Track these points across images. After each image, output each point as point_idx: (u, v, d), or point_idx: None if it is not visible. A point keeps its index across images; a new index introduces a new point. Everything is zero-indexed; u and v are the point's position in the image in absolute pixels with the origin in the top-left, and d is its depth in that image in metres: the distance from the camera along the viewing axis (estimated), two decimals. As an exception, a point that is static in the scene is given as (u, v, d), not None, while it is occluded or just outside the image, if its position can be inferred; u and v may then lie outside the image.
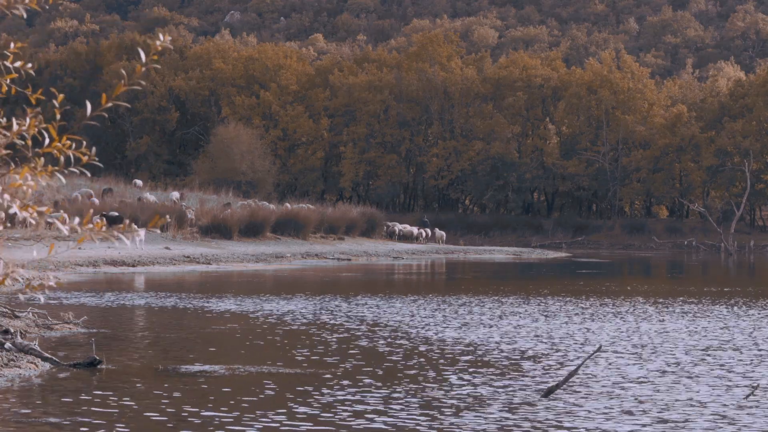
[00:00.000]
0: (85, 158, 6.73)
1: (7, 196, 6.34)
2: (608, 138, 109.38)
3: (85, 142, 6.92)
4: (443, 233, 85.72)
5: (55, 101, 6.84)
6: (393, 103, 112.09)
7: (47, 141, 6.71)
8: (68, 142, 6.74)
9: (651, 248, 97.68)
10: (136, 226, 6.62)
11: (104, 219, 6.62)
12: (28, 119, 6.70)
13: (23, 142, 6.71)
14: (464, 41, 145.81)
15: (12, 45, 6.87)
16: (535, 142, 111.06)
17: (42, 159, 6.68)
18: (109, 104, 6.70)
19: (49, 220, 6.45)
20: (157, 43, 6.74)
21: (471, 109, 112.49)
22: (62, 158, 6.72)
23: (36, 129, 6.70)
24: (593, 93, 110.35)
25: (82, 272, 43.79)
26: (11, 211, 6.36)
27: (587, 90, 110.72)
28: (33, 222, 6.46)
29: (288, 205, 78.26)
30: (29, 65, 6.94)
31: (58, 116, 6.82)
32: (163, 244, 56.96)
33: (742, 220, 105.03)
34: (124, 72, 6.97)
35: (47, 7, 6.96)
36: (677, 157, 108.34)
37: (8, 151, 6.74)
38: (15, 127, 6.66)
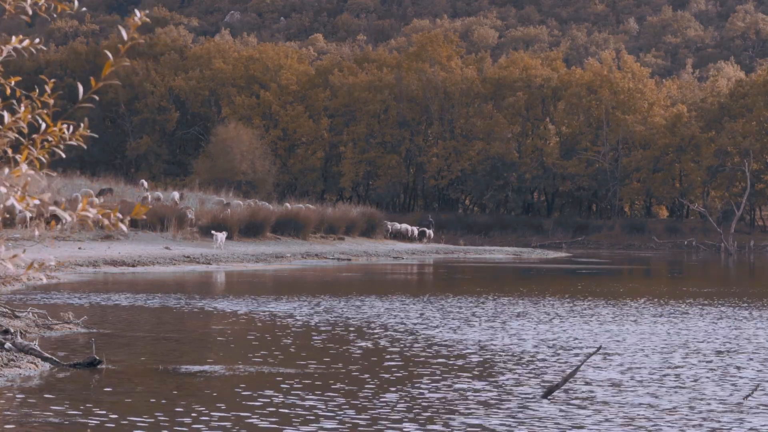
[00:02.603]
0: (81, 133, 6.75)
1: (2, 189, 6.33)
2: (608, 138, 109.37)
3: (82, 125, 6.93)
4: (431, 231, 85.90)
5: (46, 87, 6.87)
6: (393, 103, 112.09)
7: (43, 127, 6.73)
8: (63, 126, 6.76)
9: (651, 248, 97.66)
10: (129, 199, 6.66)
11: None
12: (22, 107, 6.72)
13: (20, 130, 6.72)
14: (464, 41, 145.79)
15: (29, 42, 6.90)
16: (535, 142, 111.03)
17: (39, 142, 6.70)
18: (100, 84, 6.73)
19: (52, 209, 6.45)
20: (135, 19, 6.83)
21: (471, 109, 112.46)
22: (61, 135, 6.74)
23: (30, 117, 6.71)
24: (593, 93, 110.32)
25: (82, 272, 43.78)
26: (8, 203, 6.36)
27: (587, 90, 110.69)
28: (32, 210, 6.44)
29: (288, 205, 78.23)
30: (36, 40, 6.95)
31: (51, 102, 6.84)
32: (163, 244, 56.96)
33: (742, 220, 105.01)
34: (108, 53, 7.00)
35: (55, 16, 6.98)
36: (677, 157, 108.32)
37: (9, 139, 6.75)
38: (7, 119, 6.66)
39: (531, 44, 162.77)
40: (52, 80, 7.00)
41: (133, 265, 47.85)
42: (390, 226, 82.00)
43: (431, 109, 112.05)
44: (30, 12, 6.91)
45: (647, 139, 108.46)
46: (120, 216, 6.60)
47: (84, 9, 6.89)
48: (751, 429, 14.46)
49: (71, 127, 6.83)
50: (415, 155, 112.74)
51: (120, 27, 7.16)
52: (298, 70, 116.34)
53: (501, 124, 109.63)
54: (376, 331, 25.24)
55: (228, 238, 63.60)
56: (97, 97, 7.00)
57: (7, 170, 6.51)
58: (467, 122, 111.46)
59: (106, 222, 6.54)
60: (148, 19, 6.97)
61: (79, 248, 50.91)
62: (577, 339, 24.04)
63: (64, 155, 6.81)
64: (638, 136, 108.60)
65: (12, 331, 20.80)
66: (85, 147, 6.83)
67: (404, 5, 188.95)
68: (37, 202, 6.48)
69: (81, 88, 6.80)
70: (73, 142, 6.79)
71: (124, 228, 6.64)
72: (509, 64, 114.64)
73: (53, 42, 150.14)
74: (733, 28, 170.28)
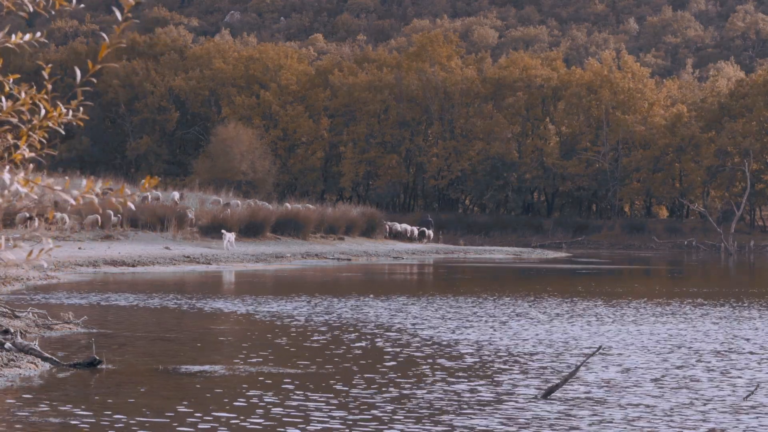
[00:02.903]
0: (74, 107, 6.76)
1: (7, 175, 6.34)
2: (608, 138, 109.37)
3: (81, 109, 6.94)
4: (430, 231, 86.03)
5: (44, 73, 6.87)
6: (393, 103, 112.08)
7: (42, 113, 6.73)
8: (63, 111, 6.77)
9: (651, 248, 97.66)
10: (128, 191, 6.69)
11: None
12: (23, 93, 6.72)
13: (21, 115, 6.73)
14: (464, 41, 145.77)
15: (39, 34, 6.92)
16: (535, 142, 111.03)
17: (38, 126, 6.70)
18: (98, 66, 6.73)
19: (57, 188, 6.44)
20: None
21: (471, 109, 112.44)
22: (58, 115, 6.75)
23: (29, 103, 6.72)
24: (593, 93, 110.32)
25: (82, 272, 43.79)
26: (13, 187, 6.36)
27: (587, 90, 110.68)
28: (37, 194, 6.45)
29: (288, 205, 78.24)
30: (38, 34, 6.95)
31: (50, 87, 6.85)
32: (163, 244, 56.96)
33: (742, 220, 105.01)
34: (105, 35, 7.00)
35: (53, 12, 6.97)
36: (677, 157, 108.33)
37: (7, 127, 6.76)
38: (5, 104, 6.66)
39: (531, 44, 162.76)
40: (49, 65, 7.00)
41: (133, 265, 47.85)
42: (390, 226, 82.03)
43: (431, 109, 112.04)
44: (30, 9, 6.91)
45: (647, 139, 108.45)
46: (128, 192, 6.63)
47: (82, 5, 6.84)
48: (750, 430, 14.46)
49: (70, 111, 6.84)
50: (415, 155, 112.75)
51: (114, 8, 7.16)
52: (298, 70, 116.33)
53: (501, 124, 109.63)
54: (375, 331, 25.24)
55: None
56: (95, 80, 7.00)
57: (8, 168, 6.51)
58: (467, 122, 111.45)
59: (113, 200, 6.55)
60: (142, 0, 6.98)
61: (79, 248, 50.92)
62: (576, 339, 24.04)
63: (63, 132, 6.82)
64: (638, 136, 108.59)
65: (12, 331, 20.80)
66: (83, 123, 6.83)
67: (404, 5, 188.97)
68: (42, 183, 6.48)
69: (78, 73, 6.81)
70: (71, 119, 6.80)
71: (132, 206, 6.65)
72: (509, 64, 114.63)
73: (53, 42, 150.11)
74: (733, 28, 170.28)
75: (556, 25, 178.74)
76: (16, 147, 6.60)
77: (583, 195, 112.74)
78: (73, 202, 6.50)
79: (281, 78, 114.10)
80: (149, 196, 70.65)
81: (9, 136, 6.61)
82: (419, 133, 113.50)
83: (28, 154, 6.62)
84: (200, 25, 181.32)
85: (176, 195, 73.71)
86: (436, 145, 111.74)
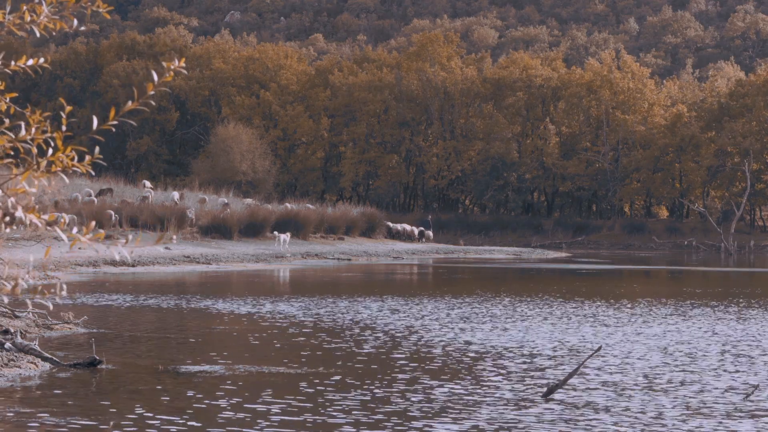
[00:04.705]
0: (86, 163, 6.77)
1: (12, 200, 6.36)
2: (608, 138, 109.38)
3: (88, 154, 6.95)
4: (430, 231, 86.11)
5: (62, 112, 6.87)
6: (393, 103, 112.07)
7: (50, 151, 6.74)
8: (72, 153, 6.78)
9: (651, 248, 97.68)
10: (131, 236, 6.70)
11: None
12: (33, 129, 6.73)
13: (28, 147, 6.73)
14: (464, 41, 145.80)
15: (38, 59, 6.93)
16: (535, 142, 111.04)
17: (44, 161, 6.70)
18: (115, 122, 6.75)
19: (50, 228, 6.47)
20: (171, 68, 6.81)
21: (471, 109, 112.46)
22: (64, 160, 6.76)
23: (41, 138, 6.73)
24: (593, 93, 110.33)
25: (82, 272, 43.79)
26: (17, 214, 6.38)
27: (587, 90, 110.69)
28: (39, 224, 6.49)
29: (288, 205, 78.22)
30: (41, 60, 6.96)
31: (65, 126, 6.85)
32: (163, 244, 56.96)
33: (742, 220, 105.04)
34: (135, 90, 7.02)
35: (54, 34, 6.99)
36: (677, 157, 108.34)
37: (11, 160, 6.76)
38: (23, 132, 6.68)
39: (531, 44, 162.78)
40: (69, 107, 6.99)
41: (133, 265, 47.86)
42: (390, 227, 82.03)
43: (431, 109, 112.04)
44: (37, 33, 6.92)
45: (647, 139, 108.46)
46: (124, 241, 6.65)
47: (83, 28, 6.83)
48: (750, 430, 14.47)
49: (75, 156, 6.84)
50: (415, 155, 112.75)
51: (153, 71, 7.16)
52: (298, 70, 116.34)
53: (501, 124, 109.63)
54: (376, 332, 25.24)
55: (227, 238, 63.61)
56: (113, 129, 7.02)
57: (9, 183, 6.53)
58: (467, 122, 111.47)
59: (113, 252, 6.60)
60: (185, 71, 6.99)
61: (79, 248, 50.91)
62: (577, 339, 24.04)
63: (67, 180, 6.83)
64: (638, 136, 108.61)
65: (12, 331, 20.80)
66: (92, 174, 6.86)
67: (404, 5, 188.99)
68: (45, 217, 6.50)
69: (95, 121, 6.80)
70: (77, 169, 6.82)
71: (128, 256, 6.66)
72: (509, 64, 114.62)
73: (53, 42, 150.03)
74: (733, 28, 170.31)
75: (556, 25, 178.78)
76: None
77: (583, 195, 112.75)
78: (66, 240, 6.52)
79: (281, 78, 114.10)
80: (149, 196, 70.65)
81: (14, 170, 6.63)
82: (419, 133, 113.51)
83: (30, 191, 6.64)
84: (200, 25, 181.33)
85: (176, 195, 73.62)
86: (436, 145, 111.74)
